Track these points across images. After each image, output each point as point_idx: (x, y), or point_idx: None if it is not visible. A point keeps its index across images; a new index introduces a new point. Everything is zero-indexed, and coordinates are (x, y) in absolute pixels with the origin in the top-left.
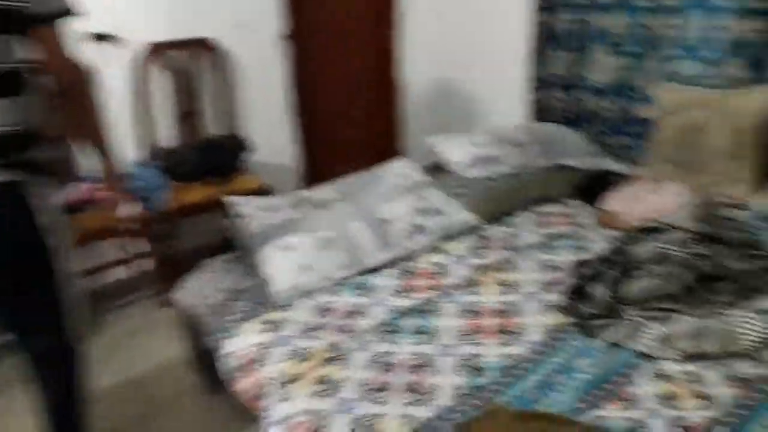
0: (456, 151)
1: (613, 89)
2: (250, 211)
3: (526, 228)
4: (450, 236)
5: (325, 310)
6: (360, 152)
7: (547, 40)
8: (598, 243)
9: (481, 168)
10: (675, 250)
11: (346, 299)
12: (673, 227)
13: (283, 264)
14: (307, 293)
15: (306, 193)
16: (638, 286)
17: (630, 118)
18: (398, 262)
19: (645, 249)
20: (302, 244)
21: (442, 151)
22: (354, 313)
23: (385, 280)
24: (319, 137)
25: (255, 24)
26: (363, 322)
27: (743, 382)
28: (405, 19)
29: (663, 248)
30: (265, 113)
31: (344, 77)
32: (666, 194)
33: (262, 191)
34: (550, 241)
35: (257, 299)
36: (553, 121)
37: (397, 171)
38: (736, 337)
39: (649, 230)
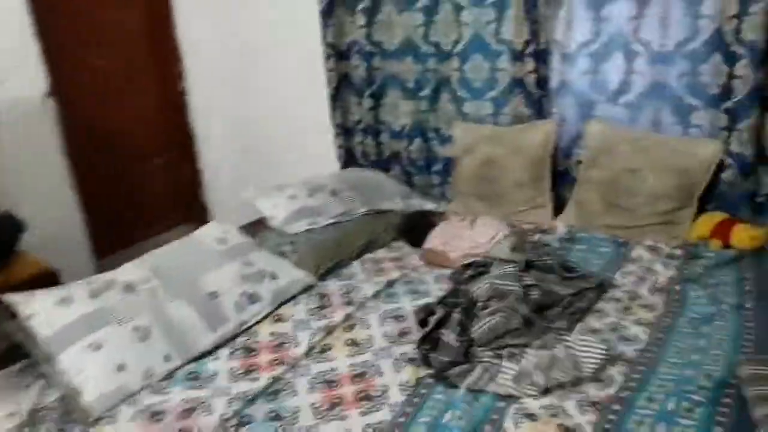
0: (274, 206)
1: (412, 131)
2: (38, 308)
3: (361, 278)
4: (286, 300)
5: (155, 414)
6: (161, 213)
7: (344, 86)
8: (433, 285)
9: (302, 221)
10: (507, 284)
11: (179, 395)
12: (495, 260)
13: (92, 368)
14: (130, 397)
15: (107, 275)
16: (482, 326)
17: (433, 157)
18: (234, 340)
19: (480, 287)
20: (113, 339)
21: (259, 206)
22: (192, 410)
23: (222, 364)
24: (111, 201)
25: (11, 80)
26: (205, 420)
27: (596, 405)
28: (193, 72)
29: (496, 284)
30: (38, 182)
31: (131, 132)
32: (481, 228)
33: (46, 277)
34: (387, 289)
35: (65, 418)
36: (361, 166)
37: (214, 235)
38: (580, 362)
39: (475, 266)
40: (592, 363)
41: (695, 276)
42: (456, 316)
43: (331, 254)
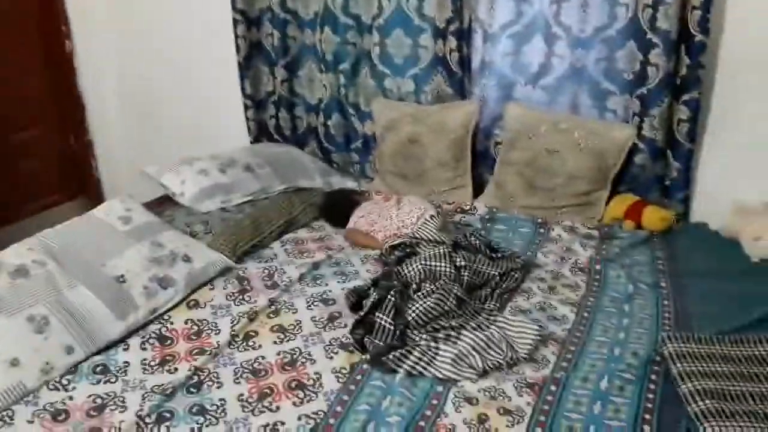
0: (182, 182)
1: (330, 106)
2: None
3: (283, 260)
4: (201, 284)
5: (58, 414)
6: (44, 188)
7: (255, 55)
8: (361, 266)
9: (214, 199)
10: (439, 266)
11: (85, 391)
12: (423, 240)
13: None
14: (26, 396)
15: None
16: (417, 308)
17: (352, 134)
18: (145, 328)
19: (412, 268)
20: (2, 331)
21: (164, 182)
22: (102, 407)
23: (133, 355)
24: None
25: None
26: (118, 417)
27: (533, 387)
28: (82, 32)
29: (428, 265)
30: None
31: (5, 96)
32: (408, 208)
33: None
34: (313, 272)
35: None
36: (273, 141)
37: (116, 213)
38: (515, 343)
39: (403, 247)
40: (526, 344)
41: (612, 256)
42: (390, 299)
43: (248, 234)
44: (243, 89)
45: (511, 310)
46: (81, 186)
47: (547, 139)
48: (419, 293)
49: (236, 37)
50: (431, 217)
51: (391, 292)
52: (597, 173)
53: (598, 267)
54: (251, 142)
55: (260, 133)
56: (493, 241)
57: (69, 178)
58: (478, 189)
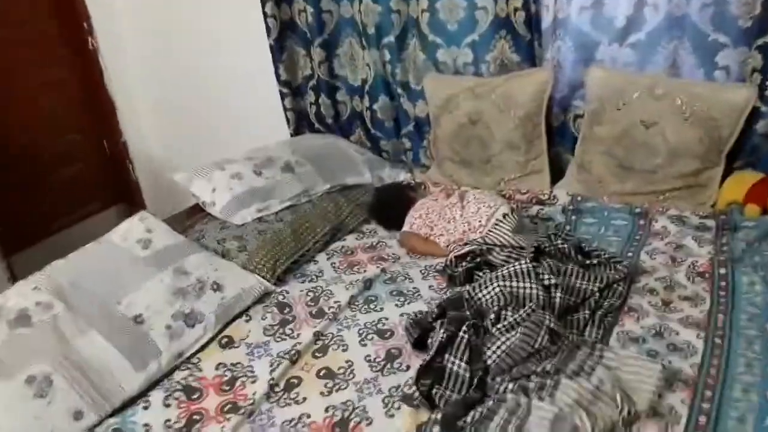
0: (213, 190)
1: (375, 87)
2: None
3: (330, 278)
4: (236, 316)
5: None
6: (83, 196)
7: (287, 36)
8: (421, 282)
9: (250, 208)
10: (522, 287)
11: None
12: (496, 247)
13: None
14: None
15: None
16: (498, 347)
17: (402, 117)
18: (169, 377)
19: (488, 291)
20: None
21: (194, 191)
22: None
23: (156, 415)
24: (18, 186)
25: None
26: None
27: None
28: (105, 29)
29: (509, 287)
30: None
31: (36, 103)
32: (474, 206)
33: None
34: (365, 293)
35: None
36: (315, 131)
37: (135, 236)
38: (634, 389)
39: (472, 256)
40: (647, 391)
41: (739, 254)
42: (463, 336)
43: (289, 248)
44: (278, 75)
45: (618, 338)
46: (120, 191)
47: (641, 109)
48: (499, 326)
49: (265, 16)
50: (504, 216)
51: (464, 327)
52: (707, 147)
53: (722, 270)
54: (291, 135)
55: (300, 123)
56: (584, 241)
57: (106, 183)
58: (556, 174)
